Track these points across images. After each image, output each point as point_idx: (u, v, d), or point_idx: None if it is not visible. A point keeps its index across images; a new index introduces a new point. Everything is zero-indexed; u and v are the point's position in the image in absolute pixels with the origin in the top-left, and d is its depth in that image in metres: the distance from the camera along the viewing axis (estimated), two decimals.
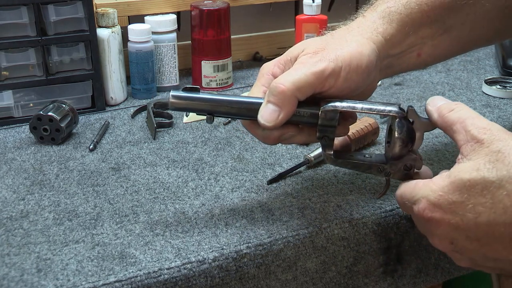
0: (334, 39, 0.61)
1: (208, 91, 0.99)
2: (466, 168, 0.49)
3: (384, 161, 0.59)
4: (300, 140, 0.60)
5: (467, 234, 0.49)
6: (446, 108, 0.54)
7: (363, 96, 0.61)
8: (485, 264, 0.51)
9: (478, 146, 0.50)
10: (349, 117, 0.61)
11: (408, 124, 0.57)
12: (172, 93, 0.57)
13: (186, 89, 0.58)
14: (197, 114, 0.60)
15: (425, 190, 0.51)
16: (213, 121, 0.58)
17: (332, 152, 0.59)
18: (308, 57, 0.58)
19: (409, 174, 0.58)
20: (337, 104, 0.57)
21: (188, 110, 0.59)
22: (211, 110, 0.58)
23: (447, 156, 0.76)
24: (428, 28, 0.64)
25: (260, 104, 0.57)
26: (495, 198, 0.47)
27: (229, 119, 0.86)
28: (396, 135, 0.57)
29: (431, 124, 0.57)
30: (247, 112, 0.58)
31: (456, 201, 0.49)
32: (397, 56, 0.64)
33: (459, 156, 0.51)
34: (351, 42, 0.59)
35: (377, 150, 0.78)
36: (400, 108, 0.57)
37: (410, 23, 0.63)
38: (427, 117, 0.57)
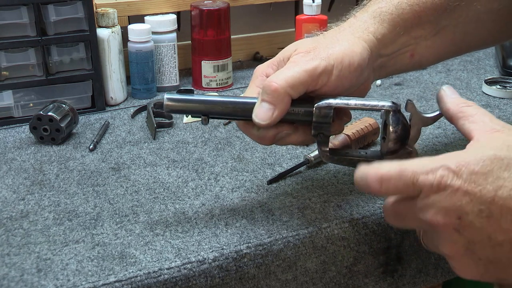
0: (326, 39, 0.61)
1: (206, 92, 0.99)
2: (490, 146, 0.48)
3: (380, 157, 0.59)
4: (296, 140, 0.60)
5: (481, 208, 0.47)
6: (464, 102, 0.54)
7: (357, 95, 0.62)
8: (481, 250, 0.48)
9: (498, 134, 0.50)
10: (344, 115, 0.61)
11: (403, 118, 0.57)
12: (166, 95, 0.58)
13: (180, 92, 0.58)
14: (192, 116, 0.60)
15: (443, 159, 0.48)
16: (208, 122, 0.58)
17: (327, 149, 0.59)
18: (300, 56, 0.58)
19: None
20: (331, 100, 0.57)
21: (183, 112, 0.59)
22: (206, 111, 0.58)
23: None
24: (420, 29, 0.64)
25: (255, 103, 0.57)
26: None
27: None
28: (391, 129, 0.57)
29: (429, 119, 0.57)
30: (242, 112, 0.58)
31: (479, 171, 0.47)
32: (390, 56, 0.64)
33: (473, 142, 0.50)
34: (342, 41, 0.60)
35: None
36: (394, 103, 0.57)
37: (402, 23, 0.63)
38: (424, 112, 0.58)
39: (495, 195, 0.46)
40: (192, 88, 0.58)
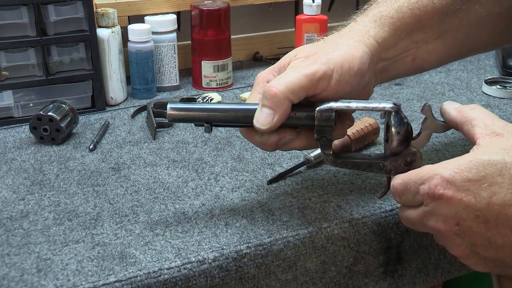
0: (326, 44, 0.61)
1: (206, 92, 0.99)
2: (485, 151, 0.49)
3: (384, 158, 0.59)
4: (299, 145, 0.60)
5: (477, 214, 0.48)
6: (466, 107, 0.55)
7: (359, 99, 0.62)
8: (484, 252, 0.50)
9: (497, 138, 0.50)
10: (346, 119, 0.61)
11: (405, 118, 0.57)
12: (170, 105, 0.58)
13: (183, 100, 0.58)
14: (195, 125, 0.61)
15: (438, 168, 0.50)
16: (211, 131, 0.59)
17: (331, 153, 0.59)
18: (299, 61, 0.59)
19: (410, 170, 0.58)
20: (332, 104, 0.57)
21: (186, 120, 0.60)
22: (208, 119, 0.58)
23: (447, 156, 0.76)
24: (421, 33, 0.65)
25: (256, 110, 0.57)
26: None
27: None
28: (393, 130, 0.57)
29: (442, 126, 0.58)
30: (244, 119, 0.58)
31: (472, 178, 0.48)
32: (391, 60, 0.64)
33: (475, 147, 0.51)
34: (342, 45, 0.60)
35: (378, 150, 0.78)
36: (395, 104, 0.57)
37: (403, 27, 0.63)
38: (439, 119, 0.58)
39: (489, 202, 0.48)
40: (195, 97, 0.58)
